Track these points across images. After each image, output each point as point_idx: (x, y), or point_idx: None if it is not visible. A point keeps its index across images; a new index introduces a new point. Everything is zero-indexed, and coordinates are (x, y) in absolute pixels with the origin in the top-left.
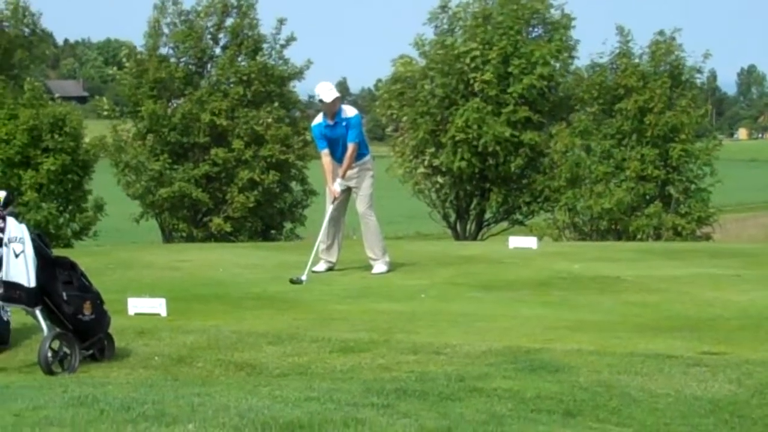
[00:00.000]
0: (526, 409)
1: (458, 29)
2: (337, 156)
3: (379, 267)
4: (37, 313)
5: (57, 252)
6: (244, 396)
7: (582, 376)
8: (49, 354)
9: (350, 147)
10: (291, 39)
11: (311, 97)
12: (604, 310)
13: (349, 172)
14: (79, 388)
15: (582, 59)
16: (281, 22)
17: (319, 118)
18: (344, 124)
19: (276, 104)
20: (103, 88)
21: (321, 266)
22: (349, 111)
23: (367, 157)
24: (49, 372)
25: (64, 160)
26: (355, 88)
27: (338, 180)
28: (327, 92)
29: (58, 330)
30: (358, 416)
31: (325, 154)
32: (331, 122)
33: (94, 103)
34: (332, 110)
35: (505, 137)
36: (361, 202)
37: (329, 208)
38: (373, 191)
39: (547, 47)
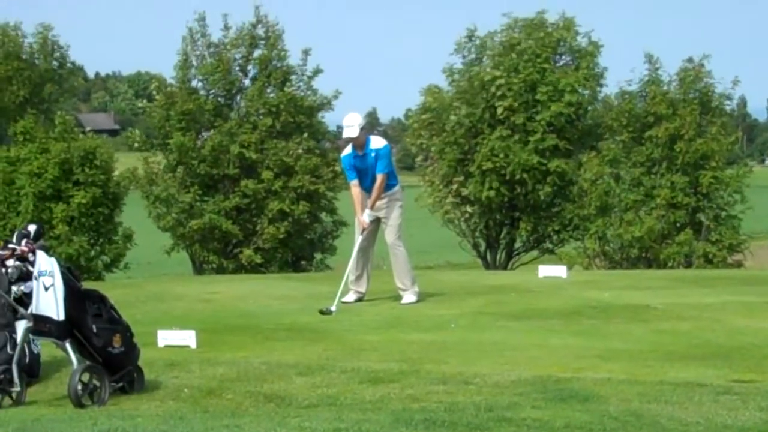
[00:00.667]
0: None
1: (486, 58)
2: (366, 186)
3: (409, 297)
4: (67, 345)
5: (88, 285)
6: (272, 427)
7: (612, 405)
8: (79, 387)
9: (379, 178)
10: (318, 71)
11: (339, 127)
12: (634, 338)
13: (378, 203)
14: (108, 421)
15: (610, 87)
16: (306, 53)
17: (348, 149)
18: (373, 154)
19: (305, 135)
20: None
21: (350, 297)
22: (378, 142)
23: (396, 188)
24: (79, 405)
25: (95, 193)
26: (385, 117)
27: (367, 211)
28: (348, 129)
29: (87, 363)
30: None
31: (354, 185)
32: (360, 153)
33: (126, 136)
34: (359, 143)
35: (533, 165)
36: (390, 233)
37: (358, 239)
38: (402, 221)
39: (575, 75)
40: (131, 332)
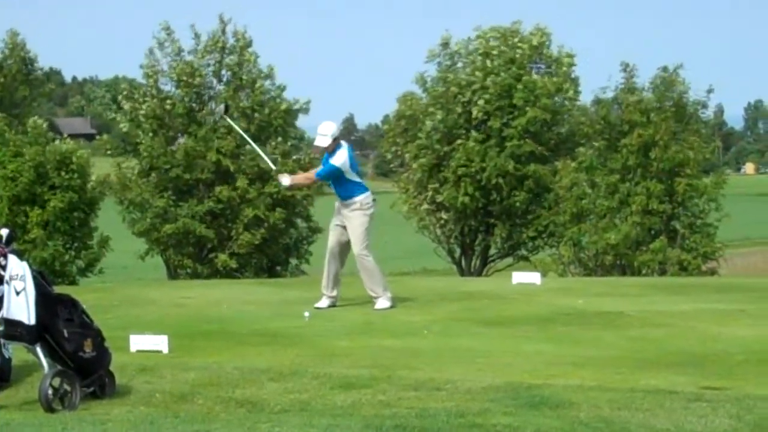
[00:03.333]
0: None
1: (460, 64)
2: (339, 194)
3: (382, 303)
4: (38, 350)
5: (62, 289)
6: None
7: (583, 411)
8: (50, 391)
9: (310, 174)
10: (283, 87)
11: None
12: (606, 345)
13: (345, 210)
14: (78, 426)
15: (586, 95)
16: (272, 68)
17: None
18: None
19: (280, 139)
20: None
21: (323, 302)
22: (337, 159)
23: (360, 197)
24: (50, 409)
25: (71, 197)
26: (362, 123)
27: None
28: (320, 137)
29: (58, 367)
30: None
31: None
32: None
33: (99, 143)
34: (328, 152)
35: (508, 170)
36: (354, 243)
37: (330, 242)
38: (367, 231)
39: (551, 81)
40: (102, 337)
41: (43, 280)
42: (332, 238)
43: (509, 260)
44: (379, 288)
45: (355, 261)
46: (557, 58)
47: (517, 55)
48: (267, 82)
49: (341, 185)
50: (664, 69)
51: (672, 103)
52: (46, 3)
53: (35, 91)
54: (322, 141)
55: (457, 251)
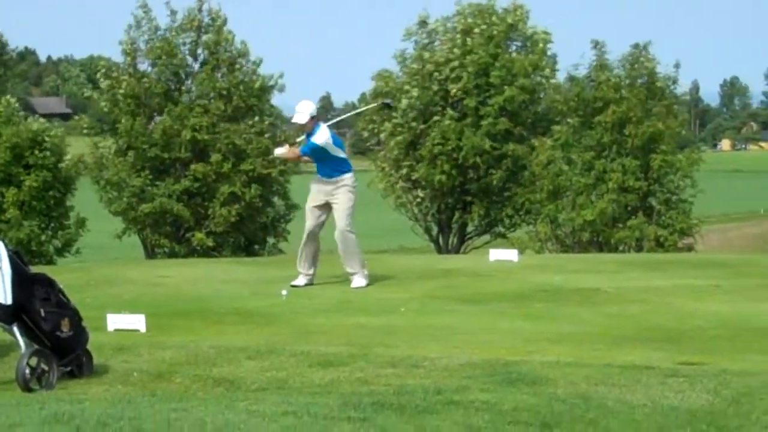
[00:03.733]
0: (503, 421)
1: (437, 42)
2: (322, 173)
3: (359, 281)
4: (15, 330)
5: (39, 269)
6: (221, 411)
7: (560, 387)
8: (27, 371)
9: (295, 150)
10: (259, 61)
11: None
12: (583, 321)
13: (328, 188)
14: (56, 405)
15: (561, 73)
16: (245, 44)
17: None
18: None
19: (257, 118)
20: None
21: (300, 280)
22: (319, 137)
23: (348, 175)
24: (27, 389)
25: (46, 176)
26: (339, 102)
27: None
28: (297, 114)
29: (35, 347)
30: (334, 430)
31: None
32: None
33: (75, 122)
34: (306, 130)
35: (485, 149)
36: (340, 218)
37: (308, 223)
38: (353, 208)
39: (528, 59)
40: (80, 316)
41: (19, 260)
42: (311, 219)
43: (486, 238)
44: (357, 265)
45: (333, 238)
46: (531, 35)
47: (494, 33)
48: (242, 60)
49: (327, 163)
50: (635, 46)
51: (643, 80)
52: None
53: (9, 72)
54: (300, 118)
55: (435, 229)
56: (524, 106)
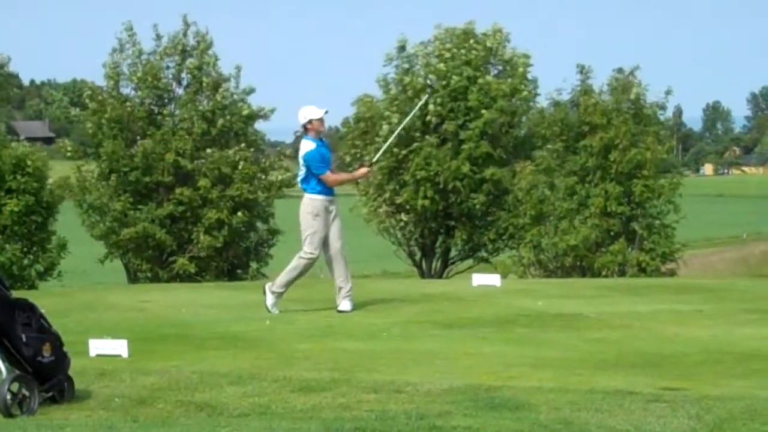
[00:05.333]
0: None
1: (417, 67)
2: (330, 190)
3: (345, 305)
4: None
5: (21, 294)
6: None
7: (542, 413)
8: (8, 396)
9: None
10: (250, 90)
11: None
12: (566, 346)
13: (331, 208)
14: (37, 431)
15: (543, 97)
16: (239, 69)
17: (311, 144)
18: (326, 145)
19: (243, 144)
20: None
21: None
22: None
23: (306, 196)
24: (8, 414)
25: (28, 201)
26: None
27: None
28: (315, 110)
29: (17, 372)
30: None
31: (329, 174)
32: (320, 139)
33: (58, 146)
34: (323, 128)
35: (465, 173)
36: (339, 238)
37: (337, 246)
38: (308, 232)
39: (507, 83)
40: (61, 341)
41: (0, 285)
42: (321, 247)
43: (470, 262)
44: (349, 284)
45: (297, 259)
46: (511, 59)
47: (472, 57)
48: (231, 84)
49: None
50: (619, 71)
51: (630, 105)
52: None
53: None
54: (319, 111)
55: (418, 253)
56: (505, 130)
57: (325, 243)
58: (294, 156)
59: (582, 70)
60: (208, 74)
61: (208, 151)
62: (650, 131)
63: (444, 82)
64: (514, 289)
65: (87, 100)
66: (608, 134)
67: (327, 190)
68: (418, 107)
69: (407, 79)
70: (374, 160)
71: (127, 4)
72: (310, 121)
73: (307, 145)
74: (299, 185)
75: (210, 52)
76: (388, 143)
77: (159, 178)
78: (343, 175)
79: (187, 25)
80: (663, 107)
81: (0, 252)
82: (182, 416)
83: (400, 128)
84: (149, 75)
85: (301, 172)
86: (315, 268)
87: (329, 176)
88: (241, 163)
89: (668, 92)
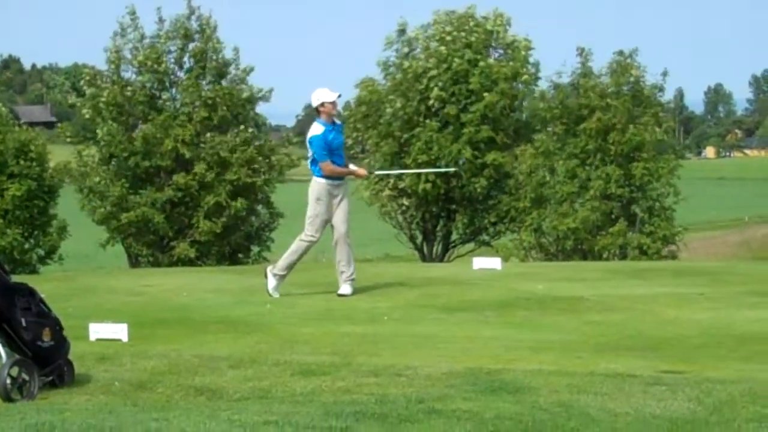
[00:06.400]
0: (485, 430)
1: (418, 50)
2: (339, 163)
3: (346, 288)
4: None
5: (22, 278)
6: (202, 420)
7: (542, 396)
8: (8, 381)
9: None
10: (250, 69)
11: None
12: (566, 330)
13: (338, 191)
14: (37, 415)
15: (543, 81)
16: (237, 50)
17: (320, 128)
18: (339, 128)
19: (242, 126)
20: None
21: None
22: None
23: (313, 179)
24: (8, 399)
25: (30, 185)
26: None
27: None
28: (328, 93)
29: (17, 357)
30: None
31: (329, 162)
32: (332, 125)
33: (59, 130)
34: (334, 112)
35: (466, 158)
36: (345, 222)
37: (341, 230)
38: (310, 214)
39: (508, 66)
40: (61, 326)
41: (0, 269)
42: (323, 230)
43: (471, 246)
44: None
45: (297, 242)
46: (512, 43)
47: (473, 40)
48: (231, 68)
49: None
50: (620, 53)
51: (629, 87)
52: None
53: None
54: (333, 94)
55: (419, 237)
56: (506, 113)
57: (332, 227)
58: (297, 142)
59: (582, 52)
60: (212, 59)
61: (208, 135)
62: (649, 113)
63: (445, 65)
64: (514, 273)
65: (85, 87)
66: (606, 116)
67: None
68: (438, 170)
69: (407, 63)
70: (376, 172)
71: None
72: (322, 104)
73: (315, 129)
74: (308, 166)
75: (213, 38)
76: (398, 171)
77: (158, 163)
78: (340, 168)
79: (191, 9)
80: (661, 89)
81: (1, 236)
82: (182, 400)
83: (417, 171)
84: (149, 59)
85: (309, 153)
86: (316, 251)
87: (328, 165)
88: (239, 148)
89: (665, 74)
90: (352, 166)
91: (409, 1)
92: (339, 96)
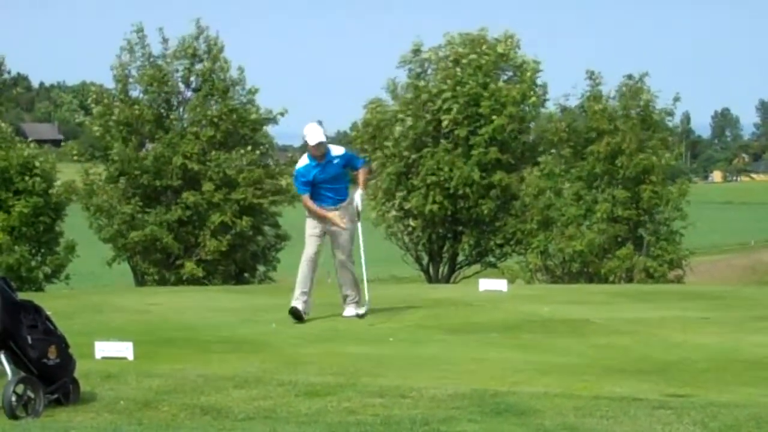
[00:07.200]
0: None
1: (430, 71)
2: (330, 196)
3: (350, 311)
4: (2, 357)
5: (28, 296)
6: None
7: (547, 419)
8: (13, 398)
9: (362, 172)
10: (255, 90)
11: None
12: (572, 352)
13: (335, 213)
14: None
15: (551, 103)
16: (242, 70)
17: (305, 160)
18: (336, 161)
19: (249, 148)
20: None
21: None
22: (338, 149)
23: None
24: (13, 417)
25: (36, 202)
26: (330, 130)
27: (335, 213)
28: (312, 135)
29: (22, 374)
30: None
31: (307, 198)
32: (321, 162)
33: (66, 148)
34: (322, 151)
35: (475, 179)
36: (347, 247)
37: (311, 249)
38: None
39: (517, 88)
40: (67, 344)
41: (6, 287)
42: (316, 245)
43: (477, 267)
44: (357, 291)
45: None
46: (521, 64)
47: (483, 62)
48: (239, 88)
49: (345, 186)
50: (629, 77)
51: (639, 111)
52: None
53: (1, 97)
54: (321, 136)
55: (425, 258)
56: (514, 136)
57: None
58: None
59: (591, 75)
60: (220, 78)
61: (214, 153)
62: (658, 137)
63: (460, 88)
64: (520, 295)
65: (92, 105)
66: (615, 139)
67: (325, 199)
68: None
69: (421, 83)
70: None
71: (138, 7)
72: (306, 142)
73: (300, 162)
74: None
75: (222, 55)
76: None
77: (168, 182)
78: (315, 208)
79: (200, 29)
80: (671, 114)
81: (8, 253)
82: (187, 419)
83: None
84: (154, 79)
85: None
86: (322, 272)
87: (306, 200)
88: (246, 168)
89: (676, 99)
90: (355, 195)
91: (419, 22)
92: (320, 143)
